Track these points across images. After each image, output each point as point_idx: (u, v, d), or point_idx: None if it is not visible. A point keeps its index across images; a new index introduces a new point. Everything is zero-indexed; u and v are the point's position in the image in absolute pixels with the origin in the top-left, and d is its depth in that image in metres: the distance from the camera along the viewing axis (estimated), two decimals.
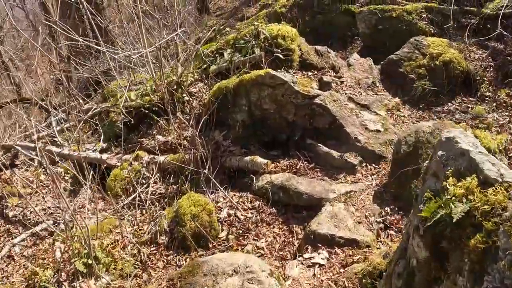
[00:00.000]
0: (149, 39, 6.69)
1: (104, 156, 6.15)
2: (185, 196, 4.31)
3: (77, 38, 5.40)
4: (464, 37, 6.77)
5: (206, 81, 6.25)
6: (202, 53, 6.45)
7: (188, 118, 5.97)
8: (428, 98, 5.73)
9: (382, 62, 6.37)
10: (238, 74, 5.58)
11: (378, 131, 4.92)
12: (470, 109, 5.54)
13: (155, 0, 16.52)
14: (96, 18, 7.21)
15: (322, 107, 4.81)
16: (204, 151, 5.06)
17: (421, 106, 5.70)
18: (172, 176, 5.39)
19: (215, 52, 6.40)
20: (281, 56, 5.94)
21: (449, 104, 5.65)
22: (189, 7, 16.41)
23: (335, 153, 4.61)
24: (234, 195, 4.64)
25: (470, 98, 5.73)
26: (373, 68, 6.26)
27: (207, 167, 4.80)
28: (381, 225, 3.89)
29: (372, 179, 4.54)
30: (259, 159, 4.70)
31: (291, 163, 4.71)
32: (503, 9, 6.33)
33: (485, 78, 5.89)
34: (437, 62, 5.79)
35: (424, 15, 7.29)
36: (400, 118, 5.49)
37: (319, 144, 4.70)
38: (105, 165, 6.04)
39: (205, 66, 6.36)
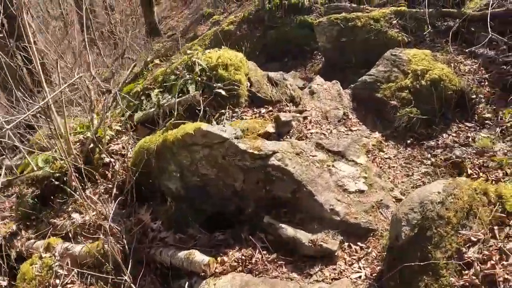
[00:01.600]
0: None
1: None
2: None
3: None
4: (444, 44, 5.43)
5: (131, 133, 4.67)
6: (123, 98, 4.86)
7: (111, 186, 4.39)
8: (417, 130, 4.31)
9: (353, 86, 4.92)
10: (164, 127, 4.03)
11: (361, 191, 3.44)
12: (471, 139, 4.15)
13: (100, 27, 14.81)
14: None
15: (280, 170, 3.30)
16: (123, 243, 3.49)
17: (409, 141, 4.27)
18: (91, 276, 3.79)
19: (141, 93, 4.82)
20: (223, 92, 4.43)
21: (444, 135, 4.24)
22: (136, 30, 14.79)
23: (304, 237, 3.10)
24: None
25: (467, 124, 4.35)
26: (342, 94, 4.81)
27: (128, 270, 3.23)
28: None
29: (360, 268, 3.05)
30: (197, 256, 3.14)
31: (243, 256, 3.17)
32: (489, 8, 5.02)
33: (482, 96, 4.53)
34: (423, 82, 4.38)
35: (394, 22, 5.93)
36: (385, 162, 4.05)
37: (281, 225, 3.19)
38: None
39: (129, 113, 4.78)
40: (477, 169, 3.79)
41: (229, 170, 3.43)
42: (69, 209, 4.49)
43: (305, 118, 4.46)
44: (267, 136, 4.12)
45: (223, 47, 5.18)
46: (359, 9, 6.53)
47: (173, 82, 4.47)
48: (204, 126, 3.39)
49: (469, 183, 2.87)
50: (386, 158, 4.08)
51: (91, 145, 4.56)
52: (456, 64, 4.80)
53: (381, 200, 3.44)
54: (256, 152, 3.29)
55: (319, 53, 7.04)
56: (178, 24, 15.42)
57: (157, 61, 6.83)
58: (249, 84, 4.68)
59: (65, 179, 4.44)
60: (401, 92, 4.42)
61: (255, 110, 4.56)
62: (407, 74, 4.51)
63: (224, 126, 3.51)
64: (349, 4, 6.84)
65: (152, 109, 4.49)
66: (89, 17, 12.67)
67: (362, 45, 6.01)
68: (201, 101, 4.32)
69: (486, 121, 4.36)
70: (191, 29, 13.93)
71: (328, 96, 4.78)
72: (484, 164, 3.81)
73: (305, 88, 5.01)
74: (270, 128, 4.14)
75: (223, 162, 3.41)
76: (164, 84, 4.57)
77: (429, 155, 4.08)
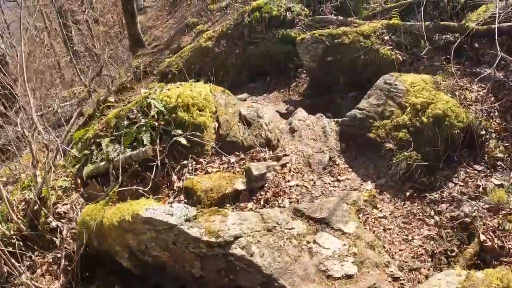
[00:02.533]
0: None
1: None
2: None
3: None
4: (444, 63, 4.63)
5: (82, 189, 3.89)
6: (75, 144, 4.08)
7: (60, 256, 3.64)
8: (418, 178, 3.51)
9: (340, 121, 4.12)
10: (107, 196, 3.25)
11: (349, 276, 2.67)
12: (481, 189, 3.36)
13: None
14: None
15: (244, 261, 2.53)
16: None
17: (408, 193, 3.48)
18: None
19: (91, 140, 4.04)
20: (183, 141, 3.65)
21: (450, 184, 3.45)
22: (118, 43, 13.97)
23: None
24: None
25: (476, 168, 3.55)
26: (328, 132, 4.02)
27: None
28: None
29: None
30: None
31: None
32: (496, 21, 4.21)
33: (492, 130, 3.74)
34: (424, 119, 3.57)
35: (386, 37, 5.12)
36: (379, 224, 3.26)
37: None
38: None
39: (78, 165, 4.00)
40: (491, 234, 3.02)
41: (184, 256, 2.66)
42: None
43: (283, 166, 3.68)
44: (236, 194, 3.36)
45: (190, 81, 4.37)
46: (347, 23, 5.72)
47: (126, 130, 3.68)
48: (143, 211, 2.61)
49: (487, 282, 2.09)
50: (380, 218, 3.29)
51: (36, 206, 3.79)
52: (461, 91, 3.99)
53: (374, 284, 2.67)
54: (213, 239, 2.51)
55: (304, 71, 6.24)
56: (162, 35, 14.59)
57: (111, 99, 5.94)
58: (217, 125, 3.91)
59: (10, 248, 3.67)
60: (398, 132, 3.63)
61: (223, 159, 3.78)
62: (404, 108, 3.71)
63: (172, 206, 2.72)
64: (335, 17, 6.03)
65: (103, 163, 3.71)
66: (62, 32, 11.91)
67: (351, 64, 5.21)
68: (157, 153, 3.54)
69: (498, 162, 3.57)
70: (175, 39, 13.07)
71: (312, 135, 3.99)
72: (500, 227, 3.04)
73: (285, 125, 4.22)
74: (240, 184, 3.38)
75: (175, 248, 2.64)
76: (117, 131, 3.79)
77: (432, 212, 3.30)
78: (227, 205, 3.28)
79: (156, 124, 3.74)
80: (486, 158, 3.61)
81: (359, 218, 3.22)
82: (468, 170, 3.53)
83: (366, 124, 3.80)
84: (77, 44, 13.18)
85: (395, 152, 3.56)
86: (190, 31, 12.47)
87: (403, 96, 3.76)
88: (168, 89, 3.96)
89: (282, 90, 6.37)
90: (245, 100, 6.18)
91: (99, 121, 4.37)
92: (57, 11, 12.77)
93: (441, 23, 4.87)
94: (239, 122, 3.97)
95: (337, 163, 3.72)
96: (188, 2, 13.37)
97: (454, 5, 5.23)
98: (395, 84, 3.86)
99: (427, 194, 3.42)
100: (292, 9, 6.81)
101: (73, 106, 9.39)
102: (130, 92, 9.90)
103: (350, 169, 3.69)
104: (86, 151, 3.93)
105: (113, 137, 3.78)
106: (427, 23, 4.89)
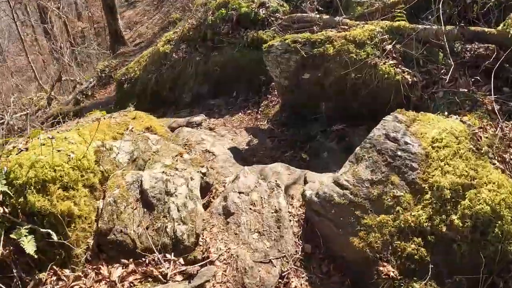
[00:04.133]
0: None
1: None
2: None
3: None
4: (474, 89, 2.83)
5: None
6: None
7: None
8: None
9: (308, 197, 2.33)
10: None
11: None
12: None
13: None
14: None
15: None
16: None
17: None
18: None
19: None
20: (29, 248, 1.94)
21: None
22: (91, 43, 12.20)
23: None
24: None
25: None
26: (284, 220, 2.22)
27: None
28: None
29: None
30: None
31: None
32: None
33: None
34: (456, 220, 1.77)
35: (388, 47, 3.26)
36: None
37: None
38: None
39: None
40: None
41: None
42: None
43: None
44: None
45: (93, 113, 2.65)
46: (333, 23, 3.86)
47: None
48: None
49: None
50: None
51: None
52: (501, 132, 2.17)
53: None
54: None
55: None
56: (147, 31, 12.76)
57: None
58: (100, 208, 2.17)
59: None
60: (407, 242, 1.84)
61: (101, 270, 2.05)
62: (420, 193, 1.91)
63: None
64: (318, 15, 4.16)
65: None
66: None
67: (337, 85, 3.41)
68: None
69: None
70: (158, 36, 11.32)
71: (257, 224, 2.23)
72: None
73: (216, 203, 2.44)
74: None
75: None
76: None
77: None
78: None
79: (1, 210, 2.04)
80: None
81: None
82: None
83: (348, 216, 2.01)
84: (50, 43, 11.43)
85: (398, 283, 1.77)
86: (173, 28, 10.68)
87: (419, 168, 1.96)
88: (23, 153, 2.23)
89: (249, 110, 4.59)
90: (199, 124, 4.44)
91: None
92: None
93: (471, 28, 3.00)
94: (135, 202, 2.22)
95: (292, 286, 1.95)
96: None
97: (485, 1, 3.34)
98: (406, 143, 2.04)
99: None
100: (267, 5, 4.96)
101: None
102: (91, 99, 8.23)
103: None
104: None
105: None
106: (449, 27, 3.04)
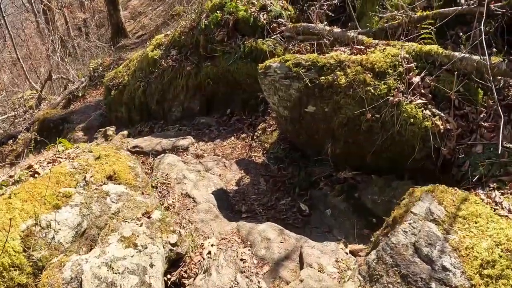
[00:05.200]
0: None
1: None
2: None
3: None
4: None
5: None
6: None
7: None
8: None
9: None
10: None
11: None
12: None
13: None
14: None
15: None
16: None
17: None
18: None
19: None
20: None
21: None
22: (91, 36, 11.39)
23: None
24: None
25: None
26: None
27: None
28: None
29: None
30: None
31: None
32: None
33: None
34: None
35: (415, 79, 2.46)
36: None
37: None
38: None
39: None
40: None
41: None
42: None
43: None
44: None
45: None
46: (345, 39, 3.05)
47: None
48: None
49: None
50: None
51: None
52: None
53: None
54: None
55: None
56: (150, 23, 11.91)
57: None
58: None
59: None
60: None
61: None
62: None
63: None
64: (327, 27, 3.33)
65: None
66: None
67: (348, 126, 2.63)
68: None
69: None
70: (160, 29, 10.48)
71: None
72: None
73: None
74: None
75: None
76: None
77: None
78: None
79: None
80: None
81: None
82: None
83: None
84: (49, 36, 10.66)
85: None
86: (176, 21, 9.86)
87: None
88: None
89: (244, 134, 3.84)
90: (186, 149, 3.76)
91: None
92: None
93: None
94: None
95: None
96: None
97: None
98: (444, 268, 1.30)
99: None
100: (268, 8, 4.13)
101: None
102: (82, 101, 7.53)
103: None
104: None
105: None
106: (495, 59, 2.22)
